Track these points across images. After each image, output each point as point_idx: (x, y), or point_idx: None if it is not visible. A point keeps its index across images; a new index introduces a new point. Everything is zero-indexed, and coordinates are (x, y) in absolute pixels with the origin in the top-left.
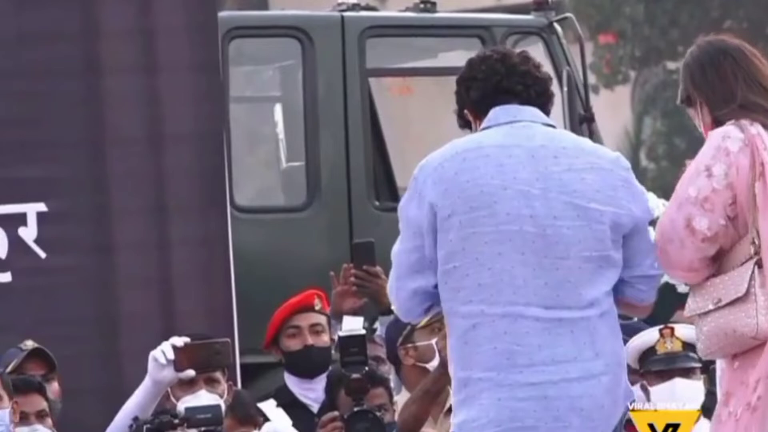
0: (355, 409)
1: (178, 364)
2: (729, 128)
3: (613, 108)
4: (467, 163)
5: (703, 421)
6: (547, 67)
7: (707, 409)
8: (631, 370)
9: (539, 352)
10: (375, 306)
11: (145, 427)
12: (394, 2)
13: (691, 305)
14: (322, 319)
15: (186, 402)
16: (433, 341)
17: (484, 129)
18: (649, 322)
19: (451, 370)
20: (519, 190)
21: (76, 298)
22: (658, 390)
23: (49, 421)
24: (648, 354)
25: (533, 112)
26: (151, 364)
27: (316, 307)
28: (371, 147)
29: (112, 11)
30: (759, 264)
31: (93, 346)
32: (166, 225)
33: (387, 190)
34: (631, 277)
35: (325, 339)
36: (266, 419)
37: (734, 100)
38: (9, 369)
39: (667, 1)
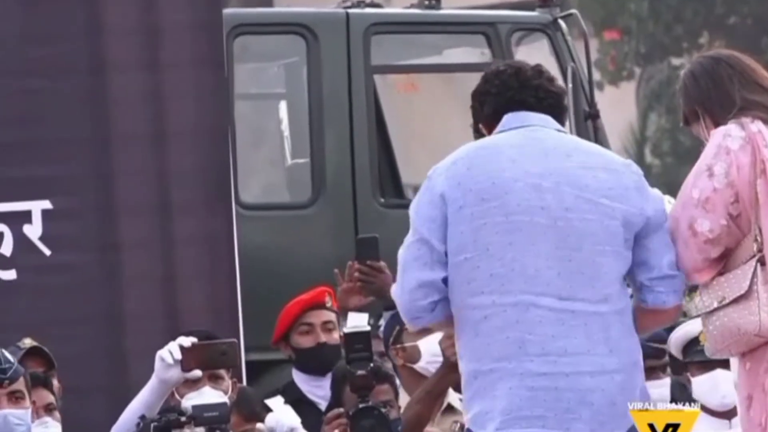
0: (360, 405)
1: (185, 364)
2: (730, 126)
3: (617, 104)
4: (480, 159)
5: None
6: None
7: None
8: (674, 360)
9: (552, 342)
10: (380, 302)
11: (152, 426)
12: None
13: (698, 304)
14: (333, 317)
15: (190, 398)
16: (418, 342)
17: (497, 134)
18: None
19: (462, 365)
20: (530, 183)
21: (81, 295)
22: (699, 381)
23: (57, 414)
24: (691, 345)
25: (545, 118)
26: (157, 364)
27: (328, 305)
28: (376, 144)
29: (116, 8)
30: (761, 261)
31: (98, 344)
32: (171, 222)
33: (392, 186)
34: (650, 279)
35: (336, 336)
36: None
37: (733, 105)
38: None
39: None
